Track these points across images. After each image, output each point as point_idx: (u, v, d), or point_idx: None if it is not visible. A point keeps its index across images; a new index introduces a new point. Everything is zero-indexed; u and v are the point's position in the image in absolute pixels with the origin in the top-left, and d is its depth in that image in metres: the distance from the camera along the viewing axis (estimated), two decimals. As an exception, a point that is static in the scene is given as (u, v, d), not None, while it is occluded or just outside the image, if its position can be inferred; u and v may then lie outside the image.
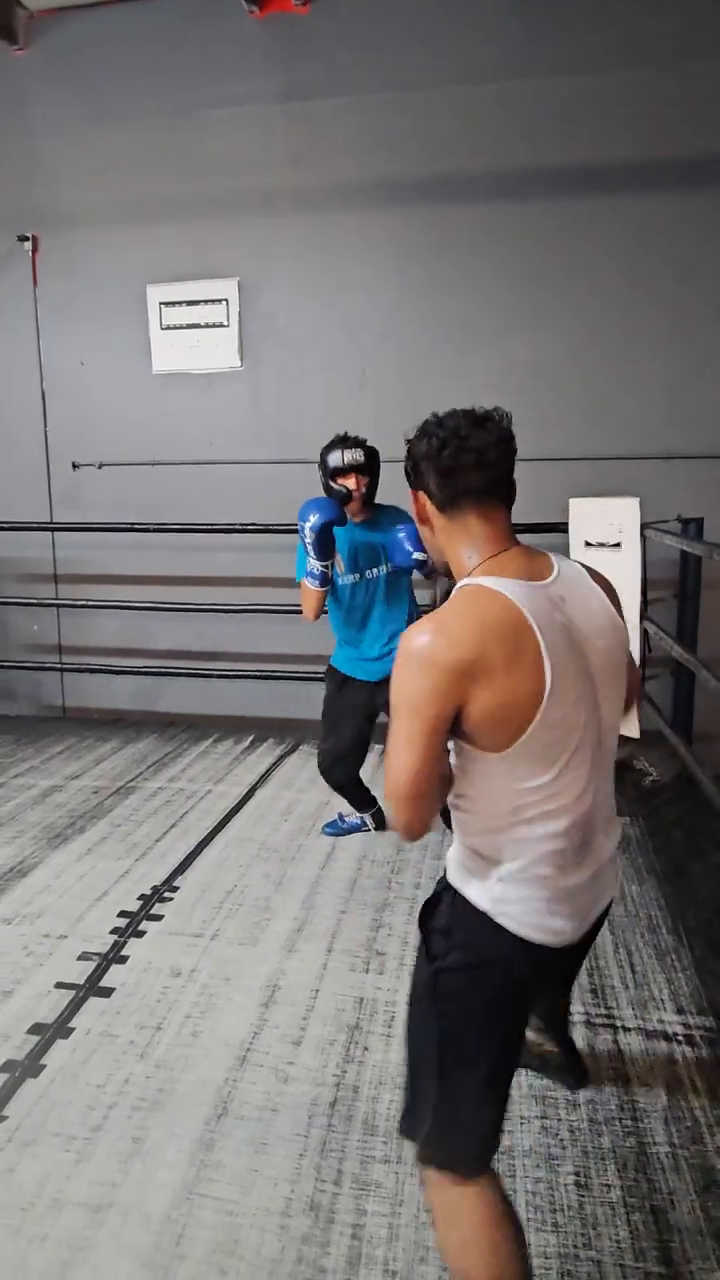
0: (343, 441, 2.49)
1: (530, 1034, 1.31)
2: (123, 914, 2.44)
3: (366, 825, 2.96)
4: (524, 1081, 1.75)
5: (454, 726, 1.03)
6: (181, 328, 4.38)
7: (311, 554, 2.42)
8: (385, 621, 2.63)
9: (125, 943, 2.29)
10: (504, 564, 1.09)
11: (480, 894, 1.11)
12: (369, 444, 2.51)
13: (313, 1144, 1.60)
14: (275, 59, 3.99)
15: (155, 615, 4.42)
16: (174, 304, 4.35)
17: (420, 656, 1.01)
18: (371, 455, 2.50)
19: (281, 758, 3.81)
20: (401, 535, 2.39)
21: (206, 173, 4.16)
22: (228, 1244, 1.39)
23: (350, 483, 2.47)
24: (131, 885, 2.61)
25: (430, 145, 3.90)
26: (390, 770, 1.04)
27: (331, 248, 4.11)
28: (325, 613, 2.62)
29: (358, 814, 2.96)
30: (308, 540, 2.39)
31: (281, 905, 2.48)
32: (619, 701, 1.15)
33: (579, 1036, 1.86)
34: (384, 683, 2.54)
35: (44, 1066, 1.81)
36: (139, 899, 2.52)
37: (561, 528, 3.41)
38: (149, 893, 2.56)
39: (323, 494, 2.51)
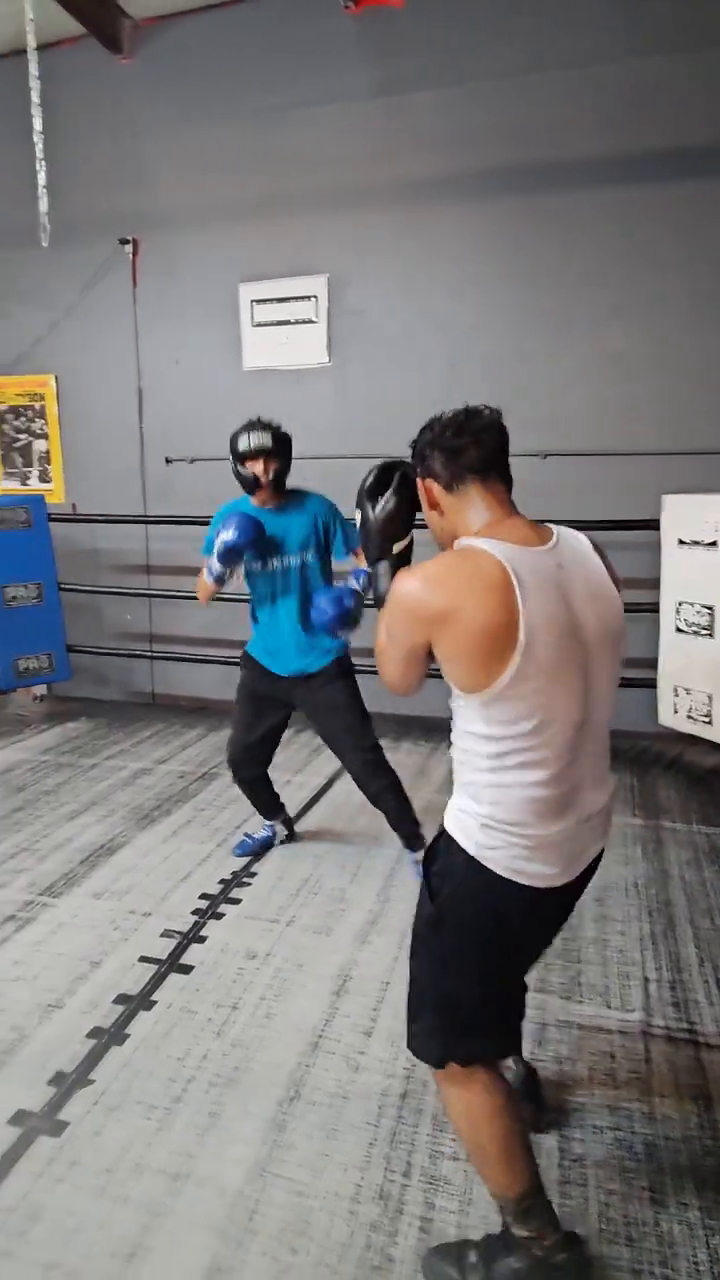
0: (252, 425, 2.39)
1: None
2: (204, 896, 2.52)
3: (277, 836, 2.82)
4: (596, 1091, 1.71)
5: (440, 664, 1.17)
6: (272, 325, 4.45)
7: (216, 562, 2.37)
8: (300, 615, 2.47)
9: (205, 923, 2.37)
10: (503, 530, 1.18)
11: (466, 839, 1.21)
12: (281, 429, 2.41)
13: (382, 1134, 1.61)
14: (369, 54, 4.00)
15: (241, 607, 4.51)
16: (265, 301, 4.43)
17: (401, 598, 1.16)
18: (282, 440, 2.40)
19: (360, 751, 3.84)
20: (323, 600, 2.28)
21: (299, 170, 4.21)
22: (298, 1224, 1.42)
23: (258, 467, 2.36)
24: (213, 869, 2.70)
25: (522, 135, 3.81)
26: (381, 665, 1.26)
27: (421, 242, 4.08)
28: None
29: (266, 822, 2.82)
30: (216, 549, 2.35)
31: (356, 896, 2.51)
32: (614, 666, 1.24)
33: (659, 1050, 1.81)
34: (297, 680, 2.52)
35: (128, 1036, 1.89)
36: (220, 882, 2.60)
37: (653, 525, 3.29)
38: (229, 877, 2.64)
39: (246, 496, 2.48)
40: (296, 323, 4.40)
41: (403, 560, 1.35)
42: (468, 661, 1.11)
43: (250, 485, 2.40)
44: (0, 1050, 1.84)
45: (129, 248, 4.58)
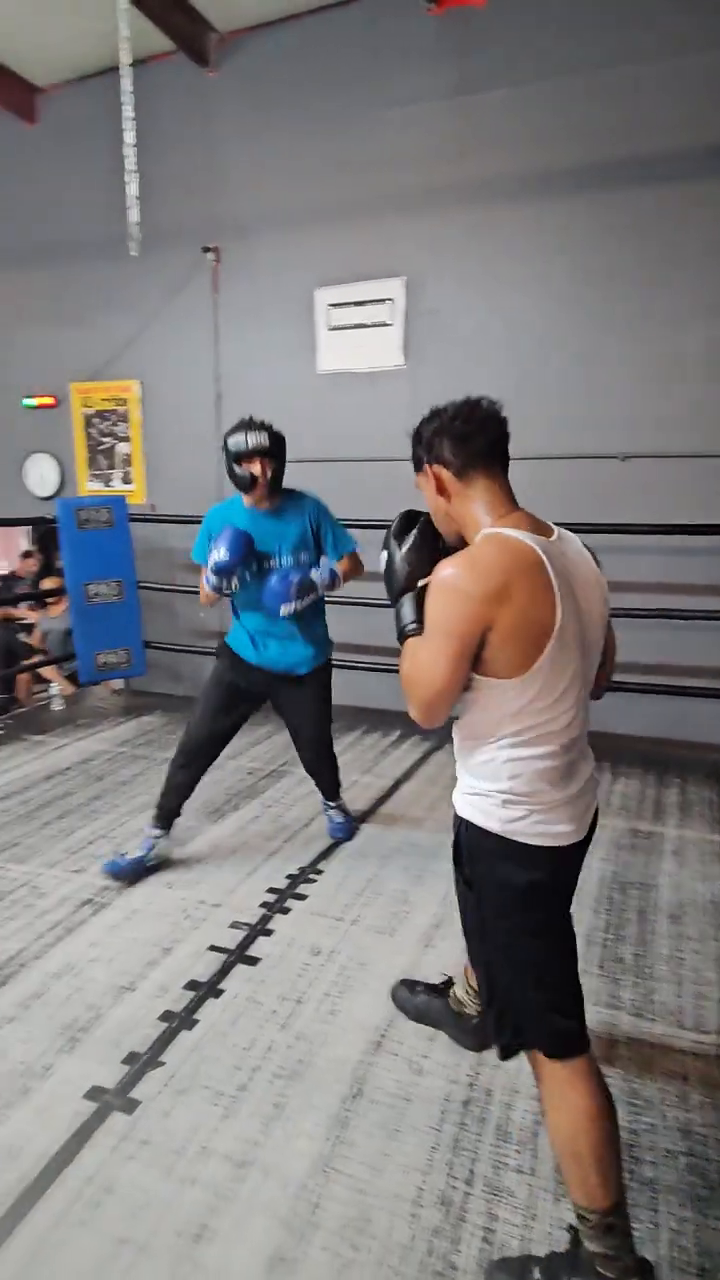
0: (248, 425, 2.35)
1: (460, 993, 1.54)
2: (271, 890, 2.56)
3: (149, 855, 2.64)
4: (668, 1114, 1.66)
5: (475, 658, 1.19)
6: (347, 328, 4.49)
7: (211, 578, 2.38)
8: (293, 616, 2.47)
9: (272, 917, 2.41)
10: (515, 521, 1.26)
11: (488, 820, 1.28)
12: (276, 429, 2.39)
13: (445, 1139, 1.61)
14: (448, 54, 3.99)
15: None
16: (341, 305, 4.47)
17: (453, 587, 1.18)
18: (278, 440, 2.38)
19: (428, 754, 3.84)
20: (273, 587, 2.37)
21: (376, 173, 4.23)
22: (359, 1221, 1.43)
23: (255, 468, 2.33)
24: (280, 864, 2.74)
25: (596, 132, 3.73)
26: (416, 680, 1.23)
27: (496, 241, 4.05)
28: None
29: (150, 834, 2.66)
30: (209, 566, 2.35)
31: (420, 899, 2.50)
32: (599, 649, 1.33)
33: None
34: (282, 677, 2.59)
35: (197, 1021, 1.94)
36: (286, 878, 2.64)
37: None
38: (295, 873, 2.67)
39: (235, 505, 2.49)
40: (372, 326, 4.43)
41: (423, 595, 1.30)
42: (520, 641, 1.17)
43: (247, 485, 2.38)
44: (78, 1027, 1.92)
45: (211, 255, 4.69)
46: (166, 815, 2.68)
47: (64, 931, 2.32)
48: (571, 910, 1.36)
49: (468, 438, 1.28)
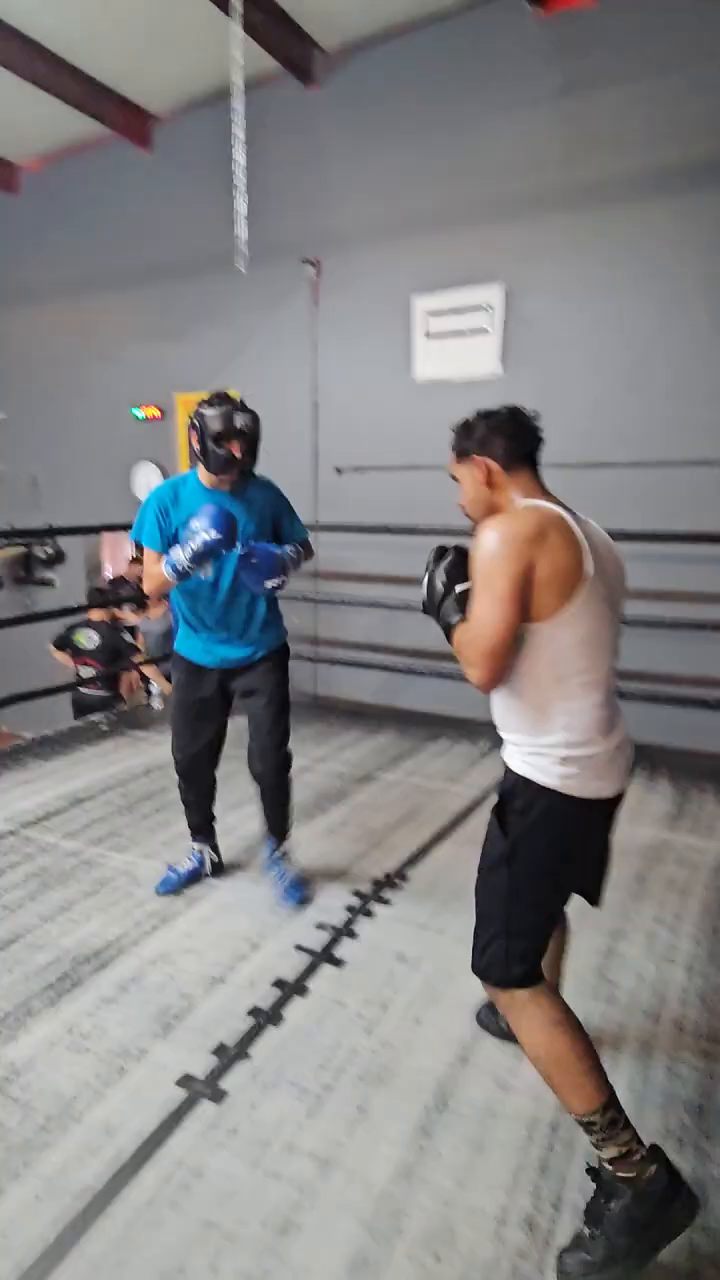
0: (231, 403, 2.22)
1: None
2: (356, 893, 2.58)
3: (205, 864, 2.62)
4: (776, 1158, 1.56)
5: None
6: (444, 336, 4.49)
7: (186, 559, 2.14)
8: (244, 602, 2.37)
9: (356, 920, 2.42)
10: (547, 499, 1.46)
11: (546, 776, 1.42)
12: (254, 411, 2.28)
13: (531, 1160, 1.57)
14: (554, 57, 3.94)
15: (403, 614, 4.59)
16: (439, 313, 4.48)
17: (497, 537, 1.35)
18: (258, 423, 2.26)
19: (517, 765, 3.77)
20: (255, 562, 2.19)
21: (478, 180, 4.23)
22: (443, 1233, 1.41)
23: (236, 449, 2.21)
24: (366, 867, 2.75)
25: (716, 128, 3.60)
26: (475, 635, 1.37)
27: (602, 244, 3.96)
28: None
29: (193, 848, 2.64)
30: (191, 547, 2.12)
31: (510, 913, 2.46)
32: (621, 619, 1.48)
33: None
34: (241, 669, 2.45)
35: (283, 1019, 1.97)
36: (372, 882, 2.65)
37: None
38: (381, 878, 2.68)
39: (217, 499, 2.26)
40: (470, 333, 4.41)
41: (463, 598, 1.48)
42: (557, 583, 1.34)
43: (223, 465, 2.23)
44: (171, 1014, 1.98)
45: (311, 267, 4.80)
46: (200, 828, 2.66)
47: (159, 921, 2.41)
48: None
49: (517, 438, 1.49)
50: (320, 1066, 1.82)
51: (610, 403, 3.96)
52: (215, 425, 2.20)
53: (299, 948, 2.27)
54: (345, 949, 2.27)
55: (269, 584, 2.26)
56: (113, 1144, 1.60)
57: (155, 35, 4.34)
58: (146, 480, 5.73)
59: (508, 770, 1.48)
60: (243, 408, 2.24)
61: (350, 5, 4.10)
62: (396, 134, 4.42)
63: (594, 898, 1.61)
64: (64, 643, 5.20)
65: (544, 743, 1.41)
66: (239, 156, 3.06)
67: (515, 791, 1.45)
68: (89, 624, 5.15)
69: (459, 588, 1.47)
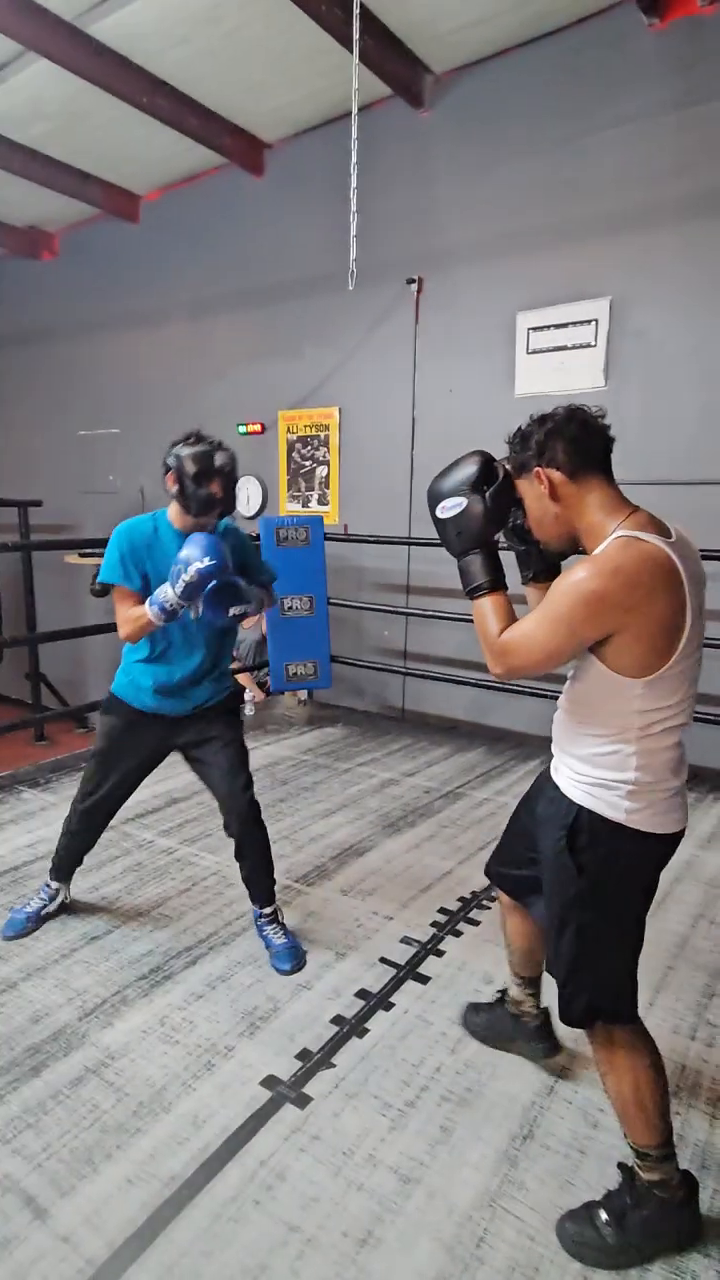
0: (211, 443, 2.06)
1: (514, 992, 1.62)
2: (442, 910, 2.55)
3: (54, 901, 2.47)
4: None
5: (600, 653, 1.28)
6: (546, 351, 4.44)
7: (177, 594, 1.97)
8: (209, 650, 2.23)
9: (443, 938, 2.40)
10: (642, 523, 1.28)
11: (613, 810, 1.35)
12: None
13: (622, 1202, 1.50)
14: (668, 69, 3.85)
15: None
16: (542, 328, 4.43)
17: (591, 590, 1.22)
18: (235, 462, 2.09)
19: (611, 790, 3.64)
20: (222, 587, 2.01)
21: (586, 195, 4.17)
22: (528, 1268, 1.37)
23: (216, 489, 2.04)
24: (453, 885, 2.72)
25: None
26: (515, 653, 1.33)
27: (716, 255, 3.82)
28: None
29: (48, 884, 2.47)
30: (184, 579, 1.94)
31: (602, 942, 2.38)
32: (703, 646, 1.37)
33: None
34: (185, 720, 2.24)
35: (368, 1030, 1.97)
36: (459, 900, 2.62)
37: None
38: (468, 896, 2.64)
39: (203, 528, 2.10)
40: (573, 348, 4.34)
41: (494, 553, 1.43)
42: (648, 645, 1.24)
43: (204, 507, 2.06)
44: (258, 1015, 2.02)
45: (414, 286, 4.86)
46: (65, 870, 2.49)
47: (247, 923, 2.46)
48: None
49: (582, 440, 1.32)
50: (404, 1082, 1.80)
51: (721, 417, 3.81)
52: (194, 465, 2.02)
53: (384, 960, 2.27)
54: (431, 966, 2.26)
55: (233, 611, 2.08)
56: (200, 1137, 1.64)
57: (272, 66, 4.52)
58: (246, 495, 5.91)
59: (564, 797, 1.40)
60: (221, 446, 2.08)
61: (461, 27, 4.14)
62: (505, 153, 4.42)
63: None
64: None
65: (613, 778, 1.34)
66: (354, 181, 3.14)
67: (582, 827, 1.37)
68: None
69: (499, 537, 1.41)
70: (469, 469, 1.45)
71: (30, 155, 5.46)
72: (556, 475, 1.33)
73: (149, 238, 6.27)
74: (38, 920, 2.45)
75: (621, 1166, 1.46)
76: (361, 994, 2.12)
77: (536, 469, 1.35)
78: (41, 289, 7.14)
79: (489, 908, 2.58)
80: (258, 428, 5.79)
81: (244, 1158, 1.59)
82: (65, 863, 2.48)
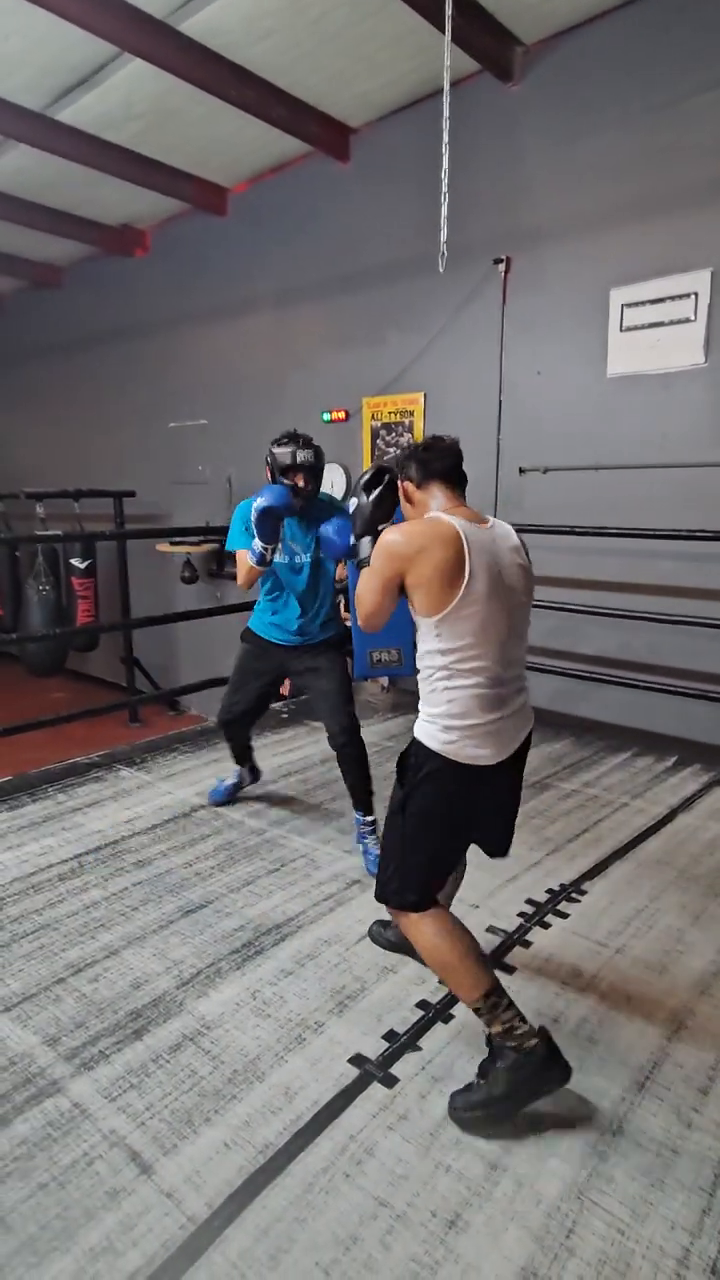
0: (295, 439, 2.67)
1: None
2: (529, 901, 2.53)
3: (242, 779, 3.31)
4: None
5: (411, 603, 1.69)
6: (641, 328, 4.27)
7: (254, 534, 2.63)
8: (308, 602, 2.87)
9: (530, 928, 2.38)
10: (455, 512, 1.74)
11: (431, 740, 1.71)
12: (319, 446, 2.73)
13: (719, 1205, 1.47)
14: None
15: (585, 619, 4.44)
16: (636, 304, 4.26)
17: (385, 544, 1.68)
18: (321, 456, 2.72)
19: (710, 785, 3.51)
20: (331, 530, 2.63)
21: (684, 163, 3.97)
22: (618, 1262, 1.36)
23: (299, 480, 2.66)
24: (541, 877, 2.70)
25: None
26: (362, 603, 1.74)
27: None
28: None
29: (235, 769, 3.31)
30: (252, 518, 2.59)
31: (697, 941, 2.31)
32: (527, 615, 1.82)
33: None
34: (298, 649, 2.93)
35: (453, 1016, 1.99)
36: (547, 892, 2.59)
37: None
38: (556, 889, 2.61)
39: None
40: (671, 323, 4.16)
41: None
42: (428, 588, 1.63)
43: (290, 493, 2.66)
44: (346, 994, 2.07)
45: (501, 266, 4.75)
46: (240, 758, 3.30)
47: (335, 904, 2.51)
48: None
49: (427, 462, 1.80)
50: (490, 1069, 1.81)
51: None
52: (281, 460, 2.67)
53: (469, 948, 2.27)
54: (517, 956, 2.25)
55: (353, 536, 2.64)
56: (292, 1108, 1.70)
57: (357, 51, 4.49)
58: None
59: (412, 732, 1.78)
60: (308, 445, 2.69)
61: (554, -6, 4.00)
62: (597, 124, 4.25)
63: (494, 850, 1.96)
64: None
65: (432, 713, 1.71)
66: (445, 161, 3.09)
67: (411, 751, 1.75)
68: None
69: (380, 527, 1.88)
70: (364, 477, 1.96)
71: (123, 154, 5.63)
72: (409, 484, 1.83)
73: (236, 230, 6.37)
74: (233, 793, 3.32)
75: (487, 1039, 1.69)
76: (447, 980, 2.13)
77: (400, 480, 1.86)
78: (135, 286, 7.38)
79: (578, 900, 2.54)
80: (342, 415, 5.82)
81: (334, 1131, 1.64)
82: (236, 755, 3.29)
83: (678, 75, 3.93)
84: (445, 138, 3.15)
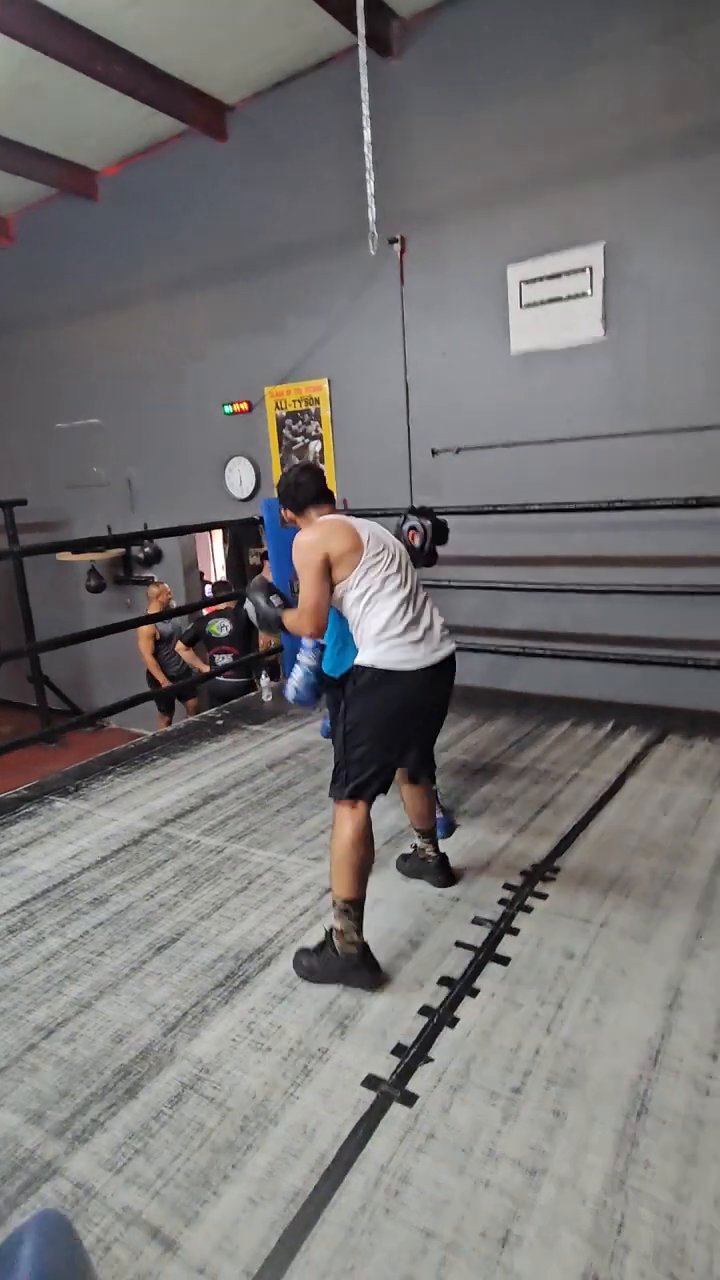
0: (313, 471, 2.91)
1: (418, 840, 2.53)
2: (507, 886, 2.52)
3: None
4: None
5: (334, 579, 2.13)
6: (541, 304, 4.32)
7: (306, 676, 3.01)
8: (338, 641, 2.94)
9: (514, 914, 2.37)
10: (332, 514, 2.25)
11: (364, 657, 2.13)
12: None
13: (753, 1172, 1.49)
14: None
15: (511, 595, 4.49)
16: (534, 280, 4.30)
17: (305, 540, 2.13)
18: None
19: (649, 746, 3.63)
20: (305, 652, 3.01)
21: (571, 138, 4.02)
22: (673, 1250, 1.35)
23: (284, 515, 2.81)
24: (512, 859, 2.70)
25: None
26: (304, 609, 2.14)
27: (714, 190, 3.70)
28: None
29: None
30: (303, 668, 3.01)
31: (673, 904, 2.36)
32: (409, 566, 2.25)
33: None
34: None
35: (458, 1020, 1.94)
36: (521, 874, 2.59)
37: None
38: (530, 870, 2.62)
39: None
40: (569, 298, 4.22)
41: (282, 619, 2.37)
42: (345, 560, 2.09)
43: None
44: (344, 1014, 1.99)
45: (396, 246, 4.68)
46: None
47: (313, 917, 2.42)
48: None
49: (297, 496, 2.28)
50: (505, 1069, 1.78)
51: (729, 359, 3.73)
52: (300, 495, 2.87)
53: (460, 944, 2.24)
54: (508, 945, 2.23)
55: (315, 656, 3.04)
56: (313, 1147, 1.60)
57: (230, 23, 4.28)
58: (239, 477, 5.76)
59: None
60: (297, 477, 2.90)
61: (429, -35, 3.93)
62: (482, 99, 4.24)
63: (415, 770, 2.41)
64: (195, 638, 5.39)
65: (363, 639, 2.13)
66: (367, 135, 2.97)
67: (353, 671, 2.15)
68: (218, 614, 5.32)
69: (277, 602, 2.37)
70: (254, 583, 2.48)
71: (-21, 135, 5.19)
72: (287, 512, 2.32)
73: (110, 215, 6.02)
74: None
75: (327, 930, 2.12)
76: (444, 981, 2.09)
77: (285, 512, 2.34)
78: (1, 279, 6.86)
79: (553, 879, 2.56)
80: (244, 406, 5.63)
81: (363, 1164, 1.56)
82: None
83: (561, 49, 3.96)
84: (365, 110, 3.03)
